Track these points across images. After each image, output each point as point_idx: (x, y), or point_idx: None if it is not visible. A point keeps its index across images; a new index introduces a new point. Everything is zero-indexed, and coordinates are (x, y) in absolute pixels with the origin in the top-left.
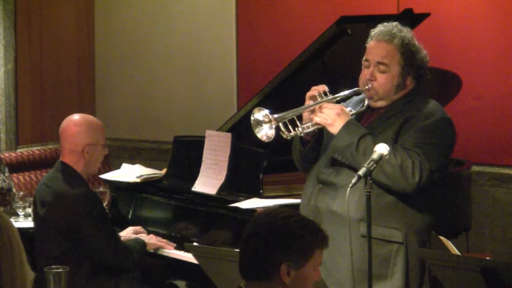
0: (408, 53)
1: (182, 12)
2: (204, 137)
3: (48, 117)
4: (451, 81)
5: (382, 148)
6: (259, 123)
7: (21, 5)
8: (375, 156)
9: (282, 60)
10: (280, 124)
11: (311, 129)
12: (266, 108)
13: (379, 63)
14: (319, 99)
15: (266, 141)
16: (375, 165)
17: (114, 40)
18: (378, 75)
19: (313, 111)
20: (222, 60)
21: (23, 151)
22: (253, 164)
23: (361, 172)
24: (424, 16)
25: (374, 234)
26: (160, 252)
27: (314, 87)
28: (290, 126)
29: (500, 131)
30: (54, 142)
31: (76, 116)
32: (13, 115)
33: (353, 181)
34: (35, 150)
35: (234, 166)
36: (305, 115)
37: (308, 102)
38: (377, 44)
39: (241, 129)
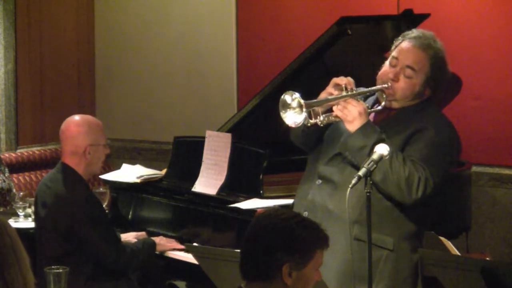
0: (437, 66)
1: (182, 12)
2: (204, 137)
3: (48, 117)
4: (450, 82)
5: (382, 149)
6: (285, 105)
7: (21, 6)
8: (375, 156)
9: (282, 60)
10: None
11: (331, 121)
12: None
13: (409, 67)
14: (344, 92)
15: (293, 126)
16: (375, 166)
17: (114, 41)
18: (402, 78)
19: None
20: (222, 61)
21: (23, 152)
22: (253, 164)
23: (361, 172)
24: (424, 16)
25: (365, 238)
26: (162, 253)
27: (342, 77)
28: (312, 113)
29: (500, 131)
30: (54, 142)
31: (76, 117)
32: (13, 115)
33: (353, 181)
34: (35, 150)
35: (234, 167)
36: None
37: (331, 89)
38: (413, 48)
39: (242, 130)
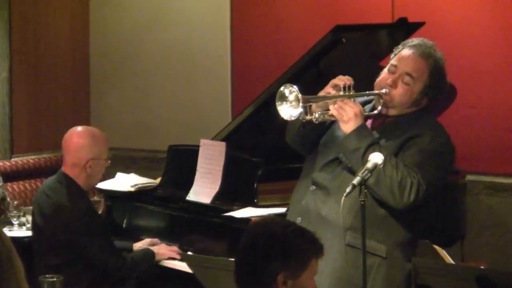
0: (436, 76)
1: (177, 20)
2: (198, 146)
3: (43, 126)
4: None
5: (376, 158)
6: (282, 98)
7: (16, 14)
8: (369, 165)
9: (277, 68)
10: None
11: (326, 119)
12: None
13: (407, 73)
14: (341, 92)
15: (288, 119)
16: (369, 174)
17: (109, 48)
18: (400, 84)
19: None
20: (217, 69)
21: (18, 160)
22: (248, 173)
23: (355, 181)
24: (418, 25)
25: (358, 245)
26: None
27: (341, 77)
28: (308, 110)
29: (495, 140)
30: (49, 151)
31: (79, 128)
32: (8, 124)
33: (348, 190)
34: (30, 159)
35: (228, 175)
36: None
37: (329, 89)
38: (413, 56)
39: (236, 138)
